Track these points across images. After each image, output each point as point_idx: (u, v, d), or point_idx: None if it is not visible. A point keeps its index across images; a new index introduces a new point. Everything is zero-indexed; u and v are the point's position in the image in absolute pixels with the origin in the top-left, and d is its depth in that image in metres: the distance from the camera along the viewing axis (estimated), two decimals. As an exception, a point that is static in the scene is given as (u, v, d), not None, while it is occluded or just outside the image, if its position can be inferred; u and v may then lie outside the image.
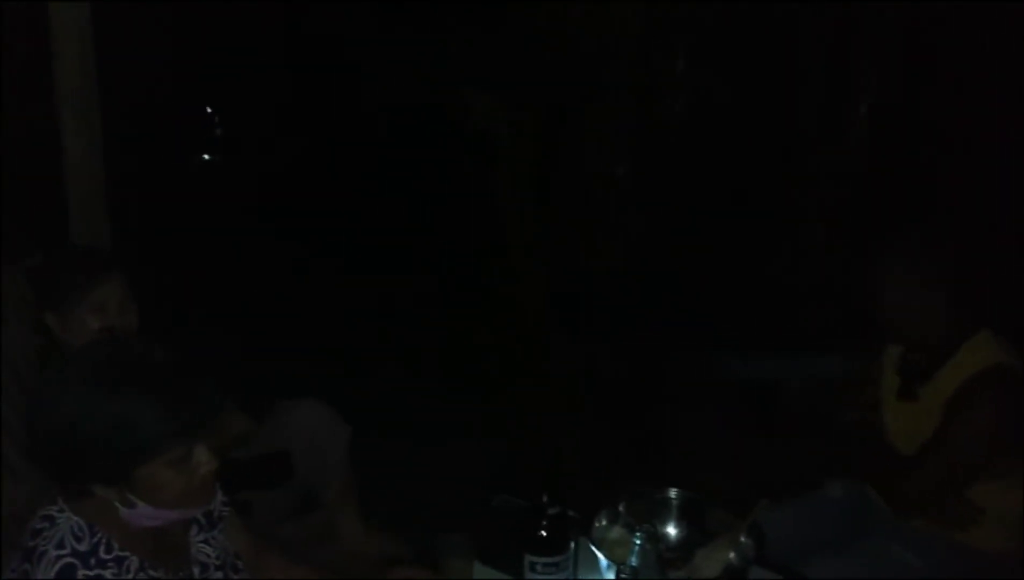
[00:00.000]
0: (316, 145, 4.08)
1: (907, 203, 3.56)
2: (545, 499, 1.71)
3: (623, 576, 1.65)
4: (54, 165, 2.45)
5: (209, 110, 3.99)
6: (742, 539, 1.81)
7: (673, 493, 1.97)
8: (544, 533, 1.71)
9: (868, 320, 2.27)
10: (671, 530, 1.95)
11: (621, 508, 1.90)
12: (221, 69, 3.85)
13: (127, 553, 1.44)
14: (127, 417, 1.34)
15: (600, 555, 1.77)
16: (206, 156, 4.05)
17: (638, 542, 1.64)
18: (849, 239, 3.90)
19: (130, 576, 1.43)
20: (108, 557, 1.42)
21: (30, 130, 2.46)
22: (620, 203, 4.46)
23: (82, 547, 1.41)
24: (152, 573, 1.47)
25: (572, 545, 1.75)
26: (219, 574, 1.62)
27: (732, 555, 1.77)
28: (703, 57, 4.33)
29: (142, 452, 1.36)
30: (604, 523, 1.88)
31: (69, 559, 1.39)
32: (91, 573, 1.40)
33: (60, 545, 1.40)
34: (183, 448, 1.40)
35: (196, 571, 1.58)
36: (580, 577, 1.79)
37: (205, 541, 1.62)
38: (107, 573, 1.41)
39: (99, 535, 1.43)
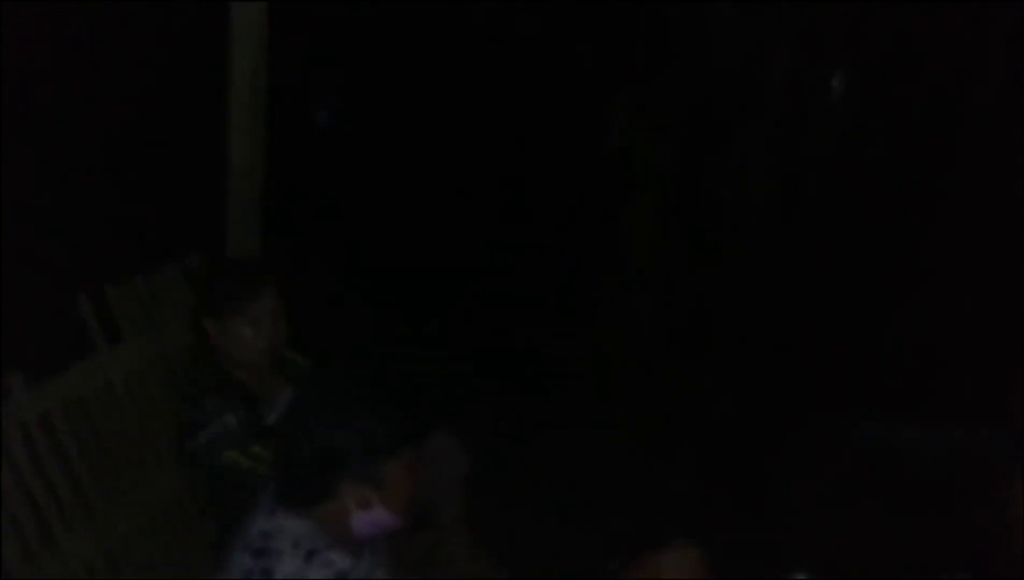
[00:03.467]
0: (452, 159, 4.06)
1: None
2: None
3: None
4: (219, 168, 2.55)
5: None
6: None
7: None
8: None
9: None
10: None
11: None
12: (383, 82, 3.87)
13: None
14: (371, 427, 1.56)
15: None
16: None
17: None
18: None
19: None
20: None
21: (198, 131, 2.56)
22: (758, 235, 4.30)
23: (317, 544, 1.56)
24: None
25: None
26: None
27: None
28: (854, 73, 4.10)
29: (386, 452, 1.57)
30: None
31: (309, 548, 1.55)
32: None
33: (296, 544, 1.55)
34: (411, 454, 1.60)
35: None
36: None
37: None
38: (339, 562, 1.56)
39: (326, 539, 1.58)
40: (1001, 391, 2.59)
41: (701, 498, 2.96)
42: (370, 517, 1.60)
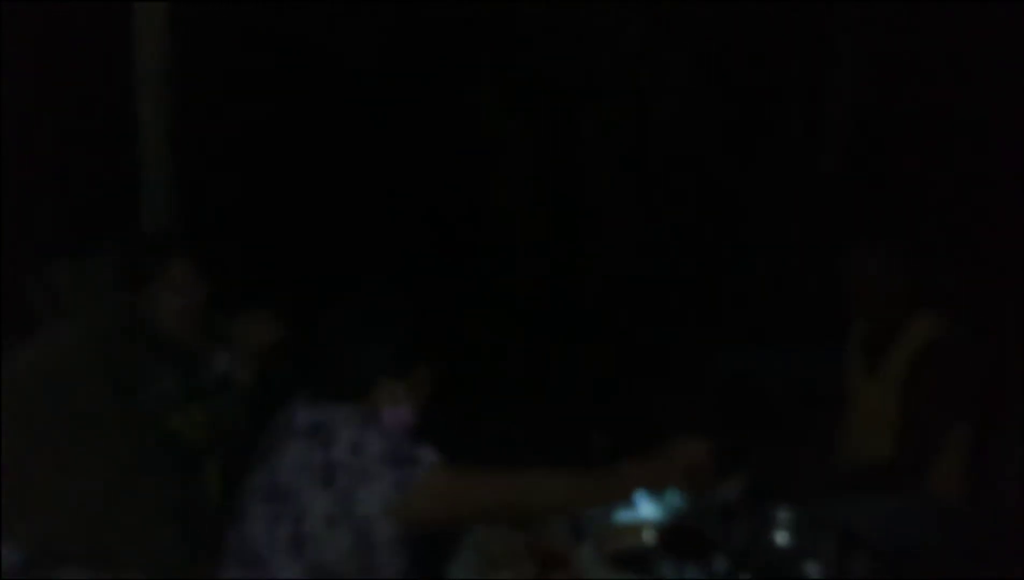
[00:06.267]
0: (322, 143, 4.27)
1: (877, 201, 3.92)
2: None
3: None
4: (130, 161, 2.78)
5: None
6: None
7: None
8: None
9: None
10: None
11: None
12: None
13: None
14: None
15: None
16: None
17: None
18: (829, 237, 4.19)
19: None
20: None
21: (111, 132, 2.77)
22: (616, 204, 4.81)
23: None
24: None
25: None
26: None
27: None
28: (694, 61, 4.68)
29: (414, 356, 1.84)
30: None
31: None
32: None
33: (347, 421, 1.75)
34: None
35: None
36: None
37: None
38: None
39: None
40: (828, 325, 3.10)
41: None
42: (398, 413, 1.83)
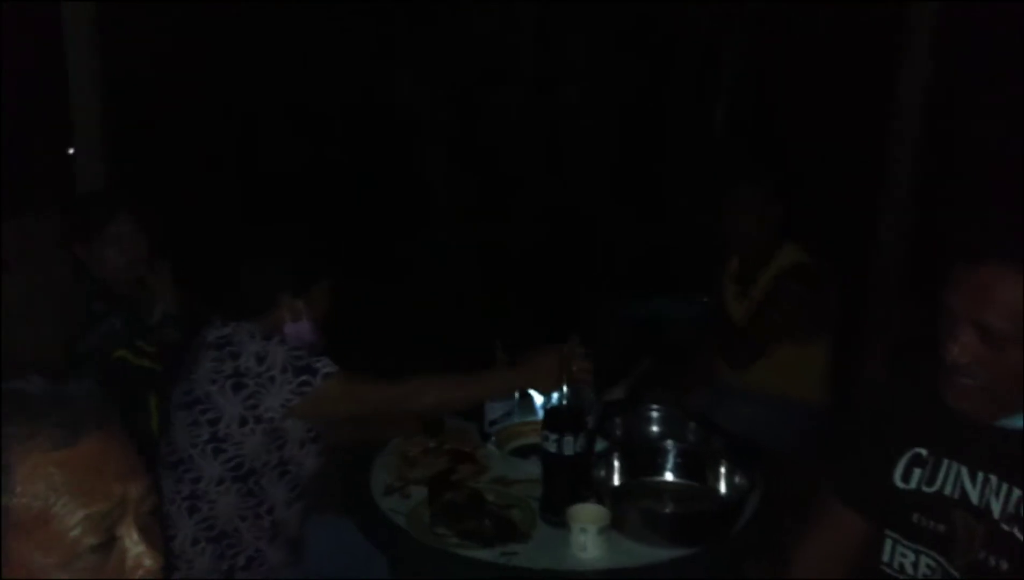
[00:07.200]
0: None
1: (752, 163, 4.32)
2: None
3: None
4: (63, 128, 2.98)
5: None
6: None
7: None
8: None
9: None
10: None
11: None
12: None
13: None
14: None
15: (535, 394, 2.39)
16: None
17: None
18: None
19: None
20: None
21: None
22: (526, 177, 5.17)
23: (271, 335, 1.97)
24: None
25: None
26: None
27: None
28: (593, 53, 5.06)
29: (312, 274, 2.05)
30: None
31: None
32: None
33: (252, 335, 1.95)
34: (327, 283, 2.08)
35: None
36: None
37: None
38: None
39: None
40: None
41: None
42: (299, 327, 2.04)
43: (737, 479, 2.02)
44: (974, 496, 1.42)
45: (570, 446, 1.95)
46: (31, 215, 2.85)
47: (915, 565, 1.50)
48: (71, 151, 3.04)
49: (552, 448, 1.96)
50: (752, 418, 2.80)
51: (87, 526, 0.94)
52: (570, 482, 1.96)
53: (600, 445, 2.23)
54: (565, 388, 2.02)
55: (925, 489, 1.48)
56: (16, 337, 2.63)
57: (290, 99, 4.46)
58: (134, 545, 0.98)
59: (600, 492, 1.96)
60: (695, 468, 2.10)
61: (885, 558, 1.54)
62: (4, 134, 2.85)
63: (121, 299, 2.56)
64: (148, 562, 0.98)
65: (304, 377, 1.93)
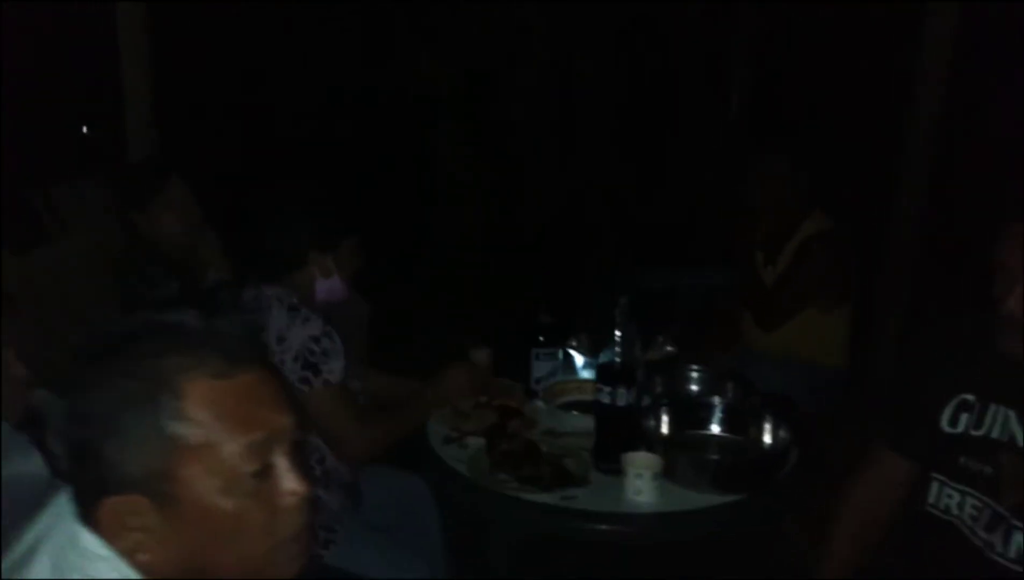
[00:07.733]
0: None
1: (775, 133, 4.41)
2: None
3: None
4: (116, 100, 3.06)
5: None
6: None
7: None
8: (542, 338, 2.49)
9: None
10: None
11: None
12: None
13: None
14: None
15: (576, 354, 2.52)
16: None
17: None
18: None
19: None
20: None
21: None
22: (545, 157, 5.27)
23: (294, 301, 2.03)
24: None
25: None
26: None
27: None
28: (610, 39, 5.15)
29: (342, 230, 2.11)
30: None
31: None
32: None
33: (279, 299, 2.01)
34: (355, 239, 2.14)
35: None
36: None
37: None
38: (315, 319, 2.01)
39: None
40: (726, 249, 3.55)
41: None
42: (330, 283, 2.11)
43: (780, 433, 2.14)
44: (1021, 438, 1.53)
45: (623, 397, 2.06)
46: (87, 180, 2.91)
47: (960, 506, 1.61)
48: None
49: (606, 399, 2.07)
50: (775, 382, 2.92)
51: (248, 453, 0.99)
52: (623, 431, 2.07)
53: (645, 401, 2.34)
54: (616, 347, 2.12)
55: (973, 433, 1.59)
56: (72, 302, 2.69)
57: (318, 78, 4.53)
58: (286, 473, 1.03)
59: (651, 441, 2.07)
60: (738, 422, 2.21)
61: (931, 499, 1.66)
62: (58, 103, 2.92)
63: (176, 264, 2.63)
64: (299, 488, 1.04)
65: (306, 373, 2.01)
